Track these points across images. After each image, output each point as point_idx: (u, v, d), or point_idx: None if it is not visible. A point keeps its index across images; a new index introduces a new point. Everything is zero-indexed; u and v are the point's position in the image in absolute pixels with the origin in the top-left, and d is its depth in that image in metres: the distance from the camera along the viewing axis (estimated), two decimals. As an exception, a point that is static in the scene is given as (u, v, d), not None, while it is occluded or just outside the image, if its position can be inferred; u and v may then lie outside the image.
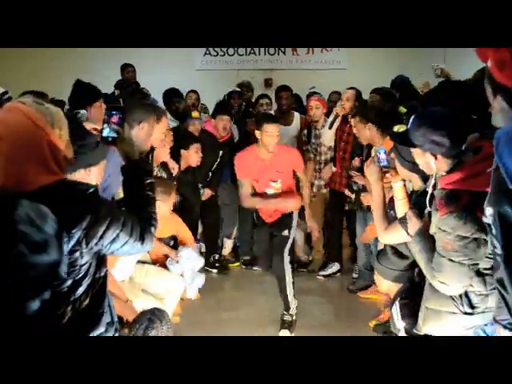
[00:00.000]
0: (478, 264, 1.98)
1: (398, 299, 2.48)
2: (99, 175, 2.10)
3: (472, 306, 2.04)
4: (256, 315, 4.14)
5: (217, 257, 5.32)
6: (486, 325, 2.01)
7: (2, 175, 1.54)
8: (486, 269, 1.99)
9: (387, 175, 2.39)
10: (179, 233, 3.97)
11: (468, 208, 1.91)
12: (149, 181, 1.88)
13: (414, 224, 2.23)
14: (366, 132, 4.01)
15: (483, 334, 2.01)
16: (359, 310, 4.24)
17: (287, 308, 3.92)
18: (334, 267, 5.14)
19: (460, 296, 2.06)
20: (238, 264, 5.42)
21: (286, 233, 4.04)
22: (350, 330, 3.77)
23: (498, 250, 1.46)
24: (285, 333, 3.79)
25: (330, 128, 4.96)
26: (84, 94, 3.32)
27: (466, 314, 2.05)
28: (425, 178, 2.40)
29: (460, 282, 2.02)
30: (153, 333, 2.46)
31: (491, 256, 1.93)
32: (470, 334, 2.07)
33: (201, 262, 3.85)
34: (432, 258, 2.08)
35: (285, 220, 4.11)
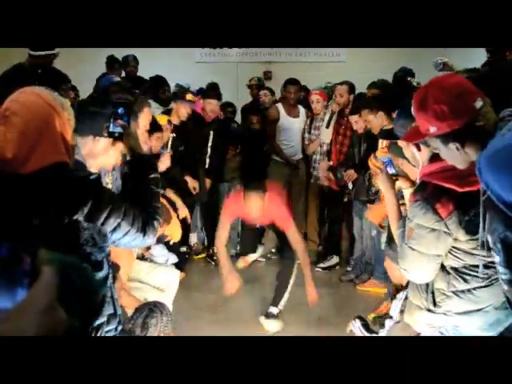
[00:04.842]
0: (440, 256, 1.97)
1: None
2: (105, 151, 2.10)
3: (435, 304, 2.04)
4: (250, 306, 4.19)
5: (216, 249, 5.34)
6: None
7: (14, 149, 1.56)
8: (452, 268, 1.99)
9: (397, 182, 2.39)
10: (168, 226, 3.71)
11: (428, 199, 1.92)
12: (153, 175, 1.91)
13: None
14: (377, 121, 4.02)
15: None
16: (358, 303, 4.28)
17: (277, 303, 3.89)
18: (333, 260, 5.19)
19: (426, 291, 2.06)
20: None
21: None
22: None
23: (504, 276, 1.47)
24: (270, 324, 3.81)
25: (328, 127, 5.13)
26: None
27: (428, 310, 2.06)
28: None
29: (418, 272, 2.02)
30: (152, 321, 2.48)
31: (457, 255, 1.96)
32: (434, 332, 2.07)
33: (172, 257, 3.80)
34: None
35: None
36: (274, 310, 3.86)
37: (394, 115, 2.42)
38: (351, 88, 5.05)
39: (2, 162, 1.56)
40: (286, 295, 3.89)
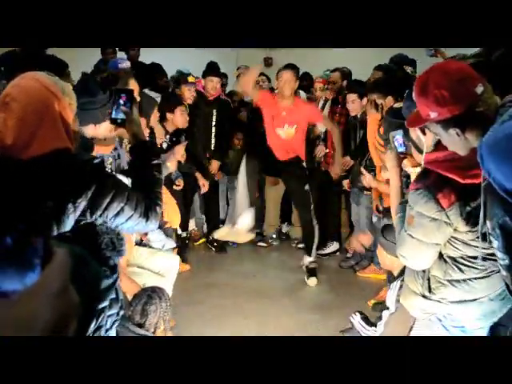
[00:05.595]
0: (438, 245, 1.97)
1: (401, 278, 2.50)
2: (108, 131, 2.12)
3: (430, 290, 2.04)
4: (250, 291, 4.21)
5: (216, 236, 5.33)
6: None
7: (14, 135, 1.56)
8: (449, 257, 1.99)
9: (404, 161, 2.33)
10: (166, 210, 3.79)
11: (430, 188, 1.90)
12: (155, 161, 1.90)
13: None
14: (387, 106, 3.97)
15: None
16: (358, 289, 4.29)
17: (311, 257, 4.49)
18: (333, 246, 5.21)
19: (422, 277, 2.06)
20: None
21: (307, 187, 4.47)
22: (349, 309, 3.81)
23: (502, 261, 1.48)
24: (313, 280, 4.40)
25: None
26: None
27: (423, 296, 2.06)
28: None
29: (416, 259, 2.02)
30: (152, 308, 2.49)
31: (456, 245, 1.95)
32: (430, 318, 2.08)
33: (169, 242, 3.80)
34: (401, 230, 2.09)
35: (299, 173, 4.51)
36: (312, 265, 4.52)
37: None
38: (344, 75, 5.09)
39: (3, 149, 1.55)
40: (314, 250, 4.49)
